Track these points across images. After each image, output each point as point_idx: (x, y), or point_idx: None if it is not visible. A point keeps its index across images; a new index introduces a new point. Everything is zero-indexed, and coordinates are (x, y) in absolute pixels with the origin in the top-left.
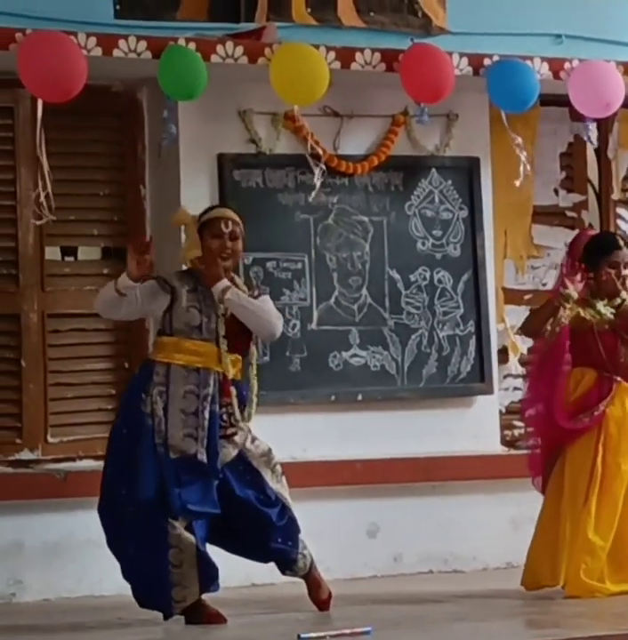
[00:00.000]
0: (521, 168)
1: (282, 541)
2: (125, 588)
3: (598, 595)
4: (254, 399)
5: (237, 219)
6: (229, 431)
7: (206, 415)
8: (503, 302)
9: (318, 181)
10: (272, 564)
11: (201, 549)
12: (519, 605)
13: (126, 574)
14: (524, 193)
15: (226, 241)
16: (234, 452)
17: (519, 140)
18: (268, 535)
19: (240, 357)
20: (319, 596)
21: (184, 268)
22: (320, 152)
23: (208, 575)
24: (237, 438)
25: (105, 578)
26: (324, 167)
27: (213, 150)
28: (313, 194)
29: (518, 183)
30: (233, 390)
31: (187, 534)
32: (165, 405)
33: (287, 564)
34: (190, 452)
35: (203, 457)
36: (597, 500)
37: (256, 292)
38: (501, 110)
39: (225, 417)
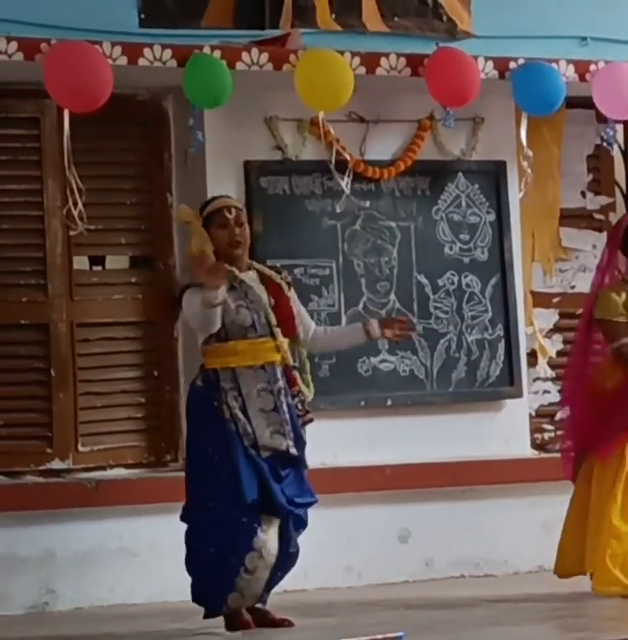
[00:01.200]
0: (523, 181)
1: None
2: (157, 596)
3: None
4: (309, 377)
5: (239, 205)
6: (307, 418)
7: (285, 408)
8: (531, 305)
9: (347, 187)
10: (305, 568)
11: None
12: (551, 609)
13: (192, 566)
14: (551, 196)
15: (233, 228)
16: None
17: (530, 153)
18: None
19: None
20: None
21: None
22: (347, 157)
23: (269, 587)
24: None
25: (137, 586)
26: (348, 179)
27: (239, 157)
28: (341, 202)
29: (520, 195)
30: (298, 377)
31: (273, 543)
32: (243, 408)
33: (279, 578)
34: (282, 448)
35: (294, 450)
36: (623, 488)
37: (289, 278)
38: (523, 115)
39: (300, 405)
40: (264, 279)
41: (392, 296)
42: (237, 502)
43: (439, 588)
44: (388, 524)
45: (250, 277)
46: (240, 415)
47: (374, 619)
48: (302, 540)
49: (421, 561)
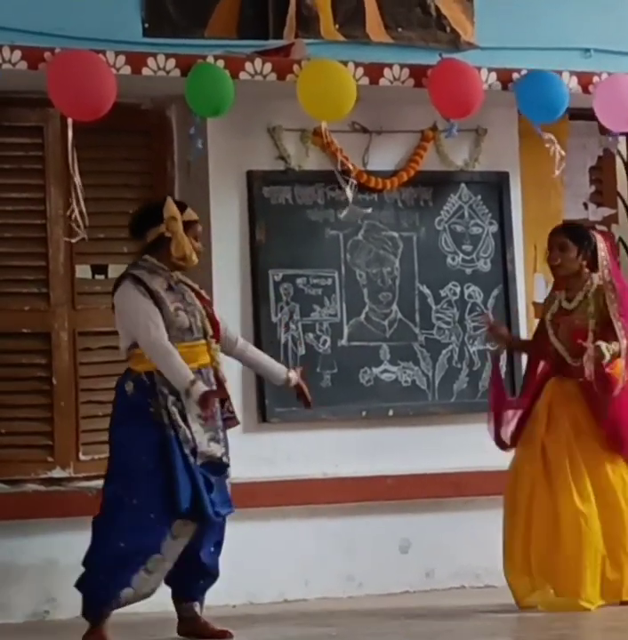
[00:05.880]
0: (556, 162)
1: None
2: (158, 606)
3: None
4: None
5: None
6: (234, 422)
7: (219, 414)
8: (533, 317)
9: (350, 195)
10: (305, 578)
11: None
12: (551, 620)
13: (95, 556)
14: (553, 207)
15: (199, 242)
16: None
17: (551, 135)
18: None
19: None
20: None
21: (149, 259)
22: (350, 167)
23: (197, 594)
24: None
25: None
26: (355, 182)
27: (242, 167)
28: (344, 211)
29: (557, 173)
30: (226, 382)
31: (179, 549)
32: (182, 413)
33: (202, 588)
34: (217, 456)
35: (226, 459)
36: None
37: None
38: (531, 121)
39: (229, 408)
40: (191, 290)
41: (394, 306)
42: (162, 506)
43: (440, 598)
44: (389, 534)
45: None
46: (180, 421)
47: (374, 629)
48: (303, 549)
49: (421, 571)
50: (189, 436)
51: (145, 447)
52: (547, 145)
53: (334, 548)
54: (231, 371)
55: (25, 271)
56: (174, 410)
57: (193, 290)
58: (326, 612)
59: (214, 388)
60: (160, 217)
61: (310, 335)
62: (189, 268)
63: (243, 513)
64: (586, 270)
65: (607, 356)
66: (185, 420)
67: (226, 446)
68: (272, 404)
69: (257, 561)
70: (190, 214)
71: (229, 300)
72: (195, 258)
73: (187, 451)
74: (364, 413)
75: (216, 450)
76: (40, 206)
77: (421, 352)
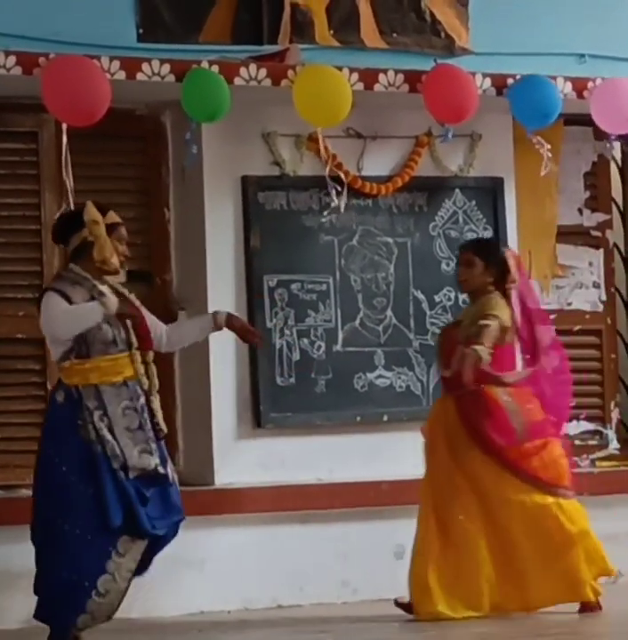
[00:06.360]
0: (544, 162)
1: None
2: (152, 611)
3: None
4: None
5: None
6: (163, 434)
7: (149, 425)
8: None
9: (341, 203)
10: (300, 584)
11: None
12: (546, 626)
13: (42, 587)
14: (548, 212)
15: (124, 246)
16: None
17: (539, 137)
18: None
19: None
20: None
21: (74, 268)
22: (342, 175)
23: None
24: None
25: (132, 601)
26: (339, 188)
27: (236, 173)
28: (326, 213)
29: (543, 173)
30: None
31: (130, 565)
32: (110, 428)
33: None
34: (150, 468)
35: (162, 468)
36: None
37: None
38: (524, 126)
39: (157, 421)
40: (119, 296)
41: (389, 312)
42: (96, 526)
43: None
44: (383, 539)
45: (108, 291)
46: (108, 436)
47: (368, 634)
48: (297, 554)
49: None
50: (118, 451)
51: (74, 465)
52: (536, 146)
53: (329, 553)
54: (225, 377)
55: (19, 276)
56: (101, 425)
57: (123, 297)
58: (320, 617)
59: (143, 402)
60: (82, 222)
61: (305, 340)
62: (114, 272)
63: (237, 518)
64: (491, 287)
65: (485, 357)
66: (113, 433)
67: (161, 456)
68: (267, 410)
69: (252, 567)
70: (112, 217)
71: (223, 305)
72: (115, 261)
73: (115, 466)
74: (358, 419)
75: (149, 461)
76: (35, 211)
77: (415, 357)
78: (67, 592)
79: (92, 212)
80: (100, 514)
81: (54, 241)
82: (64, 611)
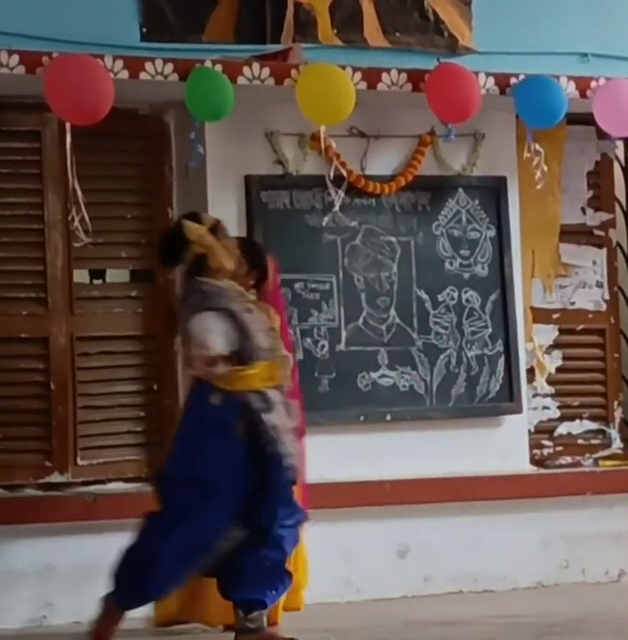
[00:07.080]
0: (538, 175)
1: None
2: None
3: None
4: None
5: None
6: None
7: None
8: (531, 321)
9: (337, 203)
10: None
11: None
12: (549, 625)
13: (147, 552)
14: (551, 212)
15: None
16: None
17: (537, 145)
18: None
19: None
20: None
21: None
22: (344, 173)
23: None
24: None
25: None
26: (342, 193)
27: (240, 172)
28: (327, 216)
29: (539, 187)
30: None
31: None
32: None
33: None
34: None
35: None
36: None
37: None
38: (527, 127)
39: None
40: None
41: (392, 311)
42: (229, 517)
43: (438, 603)
44: (387, 538)
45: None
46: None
47: (372, 634)
48: None
49: (419, 576)
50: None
51: (224, 463)
52: (528, 155)
53: (332, 552)
54: None
55: (23, 276)
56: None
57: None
58: (323, 617)
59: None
60: (186, 239)
61: (308, 340)
62: (231, 275)
63: None
64: (253, 290)
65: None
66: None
67: None
68: None
69: None
70: (208, 219)
71: None
72: (229, 264)
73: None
74: (362, 418)
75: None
76: (38, 211)
77: (418, 357)
78: (176, 562)
79: (193, 228)
80: (241, 511)
81: (162, 265)
82: (167, 578)
